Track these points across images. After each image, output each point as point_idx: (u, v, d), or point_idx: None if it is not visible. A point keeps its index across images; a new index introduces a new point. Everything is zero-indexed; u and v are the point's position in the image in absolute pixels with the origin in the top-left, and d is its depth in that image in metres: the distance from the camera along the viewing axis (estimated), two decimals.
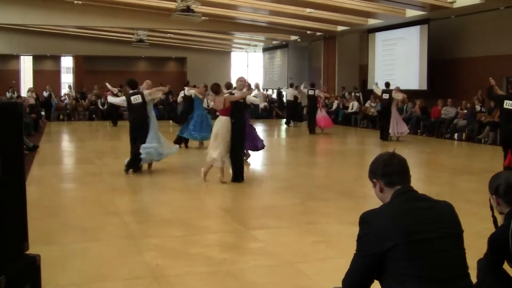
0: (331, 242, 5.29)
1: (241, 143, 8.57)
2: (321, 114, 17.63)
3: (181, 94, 14.50)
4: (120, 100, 10.74)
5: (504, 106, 9.03)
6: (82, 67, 31.16)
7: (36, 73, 32.28)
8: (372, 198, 6.74)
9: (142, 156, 9.00)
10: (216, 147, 8.23)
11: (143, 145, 8.97)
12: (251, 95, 8.93)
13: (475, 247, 3.00)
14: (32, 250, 3.29)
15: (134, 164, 9.22)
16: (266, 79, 31.47)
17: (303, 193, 7.76)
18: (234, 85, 9.78)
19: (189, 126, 12.67)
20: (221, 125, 8.24)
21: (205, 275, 4.35)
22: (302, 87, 19.80)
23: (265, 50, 31.92)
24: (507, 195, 2.71)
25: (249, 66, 34.45)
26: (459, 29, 18.55)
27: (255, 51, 33.45)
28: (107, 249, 5.01)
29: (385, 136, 15.29)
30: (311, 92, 18.13)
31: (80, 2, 19.10)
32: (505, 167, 9.08)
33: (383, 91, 15.65)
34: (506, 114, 9.10)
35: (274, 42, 29.07)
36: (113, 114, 20.65)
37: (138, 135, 9.09)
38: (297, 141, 16.61)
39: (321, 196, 7.57)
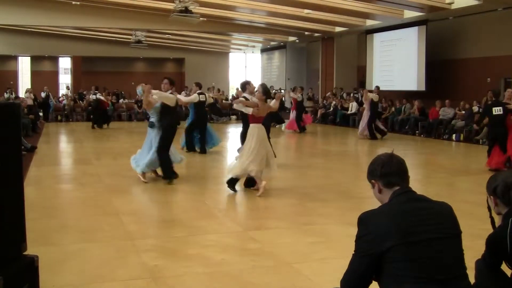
0: (329, 243, 5.29)
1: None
2: (292, 116, 18.25)
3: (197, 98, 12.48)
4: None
5: (494, 113, 9.83)
6: (80, 68, 31.15)
7: (34, 74, 32.28)
8: (370, 199, 6.75)
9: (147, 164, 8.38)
10: (254, 158, 7.37)
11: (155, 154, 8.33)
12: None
13: (473, 248, 3.00)
14: (30, 250, 3.29)
15: (171, 171, 8.50)
16: (264, 80, 31.47)
17: (301, 193, 7.76)
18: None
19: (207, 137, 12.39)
20: (261, 133, 7.51)
21: (204, 276, 4.35)
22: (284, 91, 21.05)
23: (263, 51, 31.95)
24: (505, 195, 2.72)
25: (247, 67, 34.48)
26: (457, 30, 18.59)
27: (253, 52, 33.48)
28: (105, 249, 5.01)
29: (372, 135, 15.73)
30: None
31: (78, 3, 19.10)
32: (491, 168, 9.61)
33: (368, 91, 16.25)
34: (495, 119, 9.87)
35: (272, 43, 29.10)
36: (101, 116, 19.86)
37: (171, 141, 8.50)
38: (294, 142, 16.61)
39: (319, 196, 7.57)
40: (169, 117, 8.32)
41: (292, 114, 18.23)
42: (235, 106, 8.09)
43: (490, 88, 14.08)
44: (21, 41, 28.25)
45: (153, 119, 8.41)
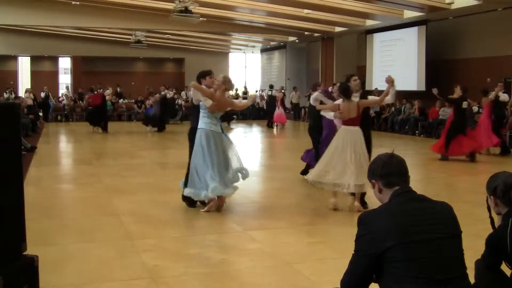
0: (329, 243, 5.29)
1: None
2: (278, 111, 20.06)
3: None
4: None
5: (462, 106, 11.24)
6: (80, 68, 31.14)
7: (34, 74, 32.27)
8: (371, 199, 6.75)
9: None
10: (356, 167, 6.27)
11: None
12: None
13: (472, 248, 3.00)
14: (30, 251, 3.29)
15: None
16: (264, 80, 31.47)
17: (301, 193, 7.75)
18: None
19: None
20: (358, 137, 6.45)
21: (203, 276, 4.35)
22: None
23: (263, 51, 31.94)
24: (505, 195, 2.72)
25: (247, 67, 34.48)
26: (457, 30, 18.59)
27: (253, 52, 33.48)
28: (105, 250, 5.01)
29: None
30: (269, 93, 22.41)
31: (78, 3, 19.09)
32: (443, 154, 11.21)
33: None
34: (462, 113, 11.31)
35: (272, 43, 29.09)
36: (100, 118, 17.93)
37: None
38: (293, 141, 16.61)
39: (319, 196, 7.56)
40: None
41: (279, 110, 20.12)
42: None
43: (490, 87, 14.06)
44: (21, 41, 28.24)
45: (219, 123, 6.61)
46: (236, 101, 7.58)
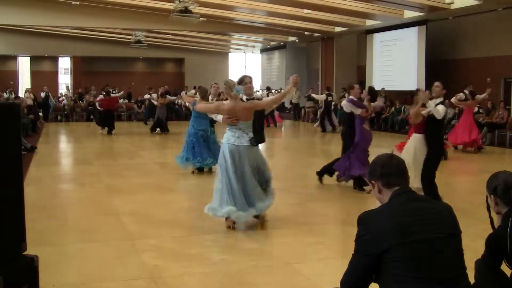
0: (329, 243, 5.29)
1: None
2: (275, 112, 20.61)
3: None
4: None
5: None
6: (80, 68, 31.14)
7: (34, 74, 32.24)
8: (370, 199, 6.75)
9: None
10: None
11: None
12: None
13: (472, 248, 3.01)
14: (30, 251, 3.29)
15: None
16: (264, 80, 31.47)
17: (301, 193, 7.75)
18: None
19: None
20: (421, 144, 6.75)
21: (203, 276, 4.35)
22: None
23: (263, 51, 31.93)
24: (506, 195, 2.72)
25: (247, 67, 34.46)
26: (457, 30, 18.58)
27: (253, 52, 33.47)
28: (105, 250, 5.01)
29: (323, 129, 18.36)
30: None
31: (78, 3, 19.09)
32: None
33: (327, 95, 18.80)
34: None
35: (272, 43, 29.09)
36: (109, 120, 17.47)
37: None
38: (293, 141, 16.62)
39: (320, 197, 7.57)
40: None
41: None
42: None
43: (490, 87, 14.06)
44: (21, 41, 28.23)
45: (250, 133, 5.68)
46: (262, 100, 6.10)
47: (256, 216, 5.86)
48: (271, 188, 5.90)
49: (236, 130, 5.59)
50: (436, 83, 6.64)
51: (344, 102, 8.04)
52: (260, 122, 6.09)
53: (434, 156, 6.58)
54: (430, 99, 6.61)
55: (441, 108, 6.47)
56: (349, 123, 8.14)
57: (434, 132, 6.61)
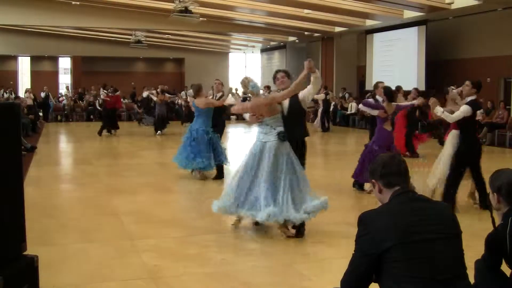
0: (329, 243, 5.28)
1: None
2: None
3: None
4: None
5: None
6: (80, 68, 31.14)
7: (34, 74, 32.24)
8: (371, 199, 6.75)
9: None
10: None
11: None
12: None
13: (472, 248, 3.00)
14: (30, 250, 3.29)
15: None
16: (264, 80, 31.46)
17: None
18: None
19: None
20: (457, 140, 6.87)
21: (203, 276, 4.34)
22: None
23: (263, 51, 31.93)
24: (510, 195, 2.73)
25: (247, 67, 34.45)
26: (457, 30, 18.57)
27: (253, 52, 33.46)
28: (105, 249, 5.01)
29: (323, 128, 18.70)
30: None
31: (78, 2, 19.09)
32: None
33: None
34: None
35: (272, 43, 29.08)
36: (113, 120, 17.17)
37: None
38: None
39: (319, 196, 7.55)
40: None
41: None
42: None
43: (489, 88, 14.06)
44: (21, 41, 28.23)
45: (279, 127, 5.45)
46: (280, 92, 5.61)
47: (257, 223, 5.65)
48: (312, 196, 5.45)
49: (264, 126, 5.47)
50: (467, 82, 6.72)
51: (360, 105, 8.13)
52: (294, 116, 5.63)
53: (463, 152, 6.57)
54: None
55: (456, 113, 6.50)
56: (372, 123, 8.38)
57: (465, 129, 6.64)
